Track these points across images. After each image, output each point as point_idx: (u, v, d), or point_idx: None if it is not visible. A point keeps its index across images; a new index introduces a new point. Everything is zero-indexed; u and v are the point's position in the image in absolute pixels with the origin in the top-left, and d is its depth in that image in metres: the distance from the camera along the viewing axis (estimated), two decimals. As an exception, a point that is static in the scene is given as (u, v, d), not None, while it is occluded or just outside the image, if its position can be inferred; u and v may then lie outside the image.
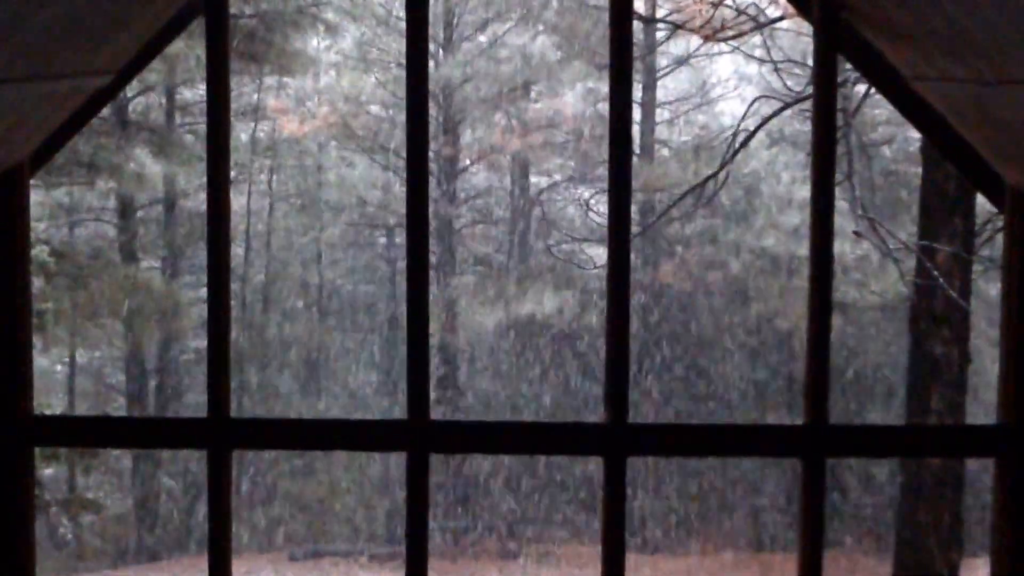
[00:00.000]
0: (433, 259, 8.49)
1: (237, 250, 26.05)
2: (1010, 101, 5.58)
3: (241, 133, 27.88)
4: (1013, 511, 6.68)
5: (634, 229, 7.39)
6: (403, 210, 6.95)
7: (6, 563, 6.75)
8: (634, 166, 6.80)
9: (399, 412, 22.41)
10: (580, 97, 29.19)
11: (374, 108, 29.71)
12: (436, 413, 6.78)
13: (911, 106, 6.68)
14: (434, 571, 7.10)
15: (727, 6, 17.64)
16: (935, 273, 13.89)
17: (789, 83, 20.81)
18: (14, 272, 6.69)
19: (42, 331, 20.02)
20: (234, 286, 6.82)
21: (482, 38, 29.74)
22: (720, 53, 24.63)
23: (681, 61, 28.99)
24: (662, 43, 27.20)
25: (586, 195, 29.97)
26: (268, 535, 25.55)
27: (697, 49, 26.42)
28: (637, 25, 18.92)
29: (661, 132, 29.79)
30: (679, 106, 30.42)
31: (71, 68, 6.18)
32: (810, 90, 11.27)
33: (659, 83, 29.50)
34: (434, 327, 6.53)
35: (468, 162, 29.64)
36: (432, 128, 6.21)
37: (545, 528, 25.45)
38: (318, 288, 32.73)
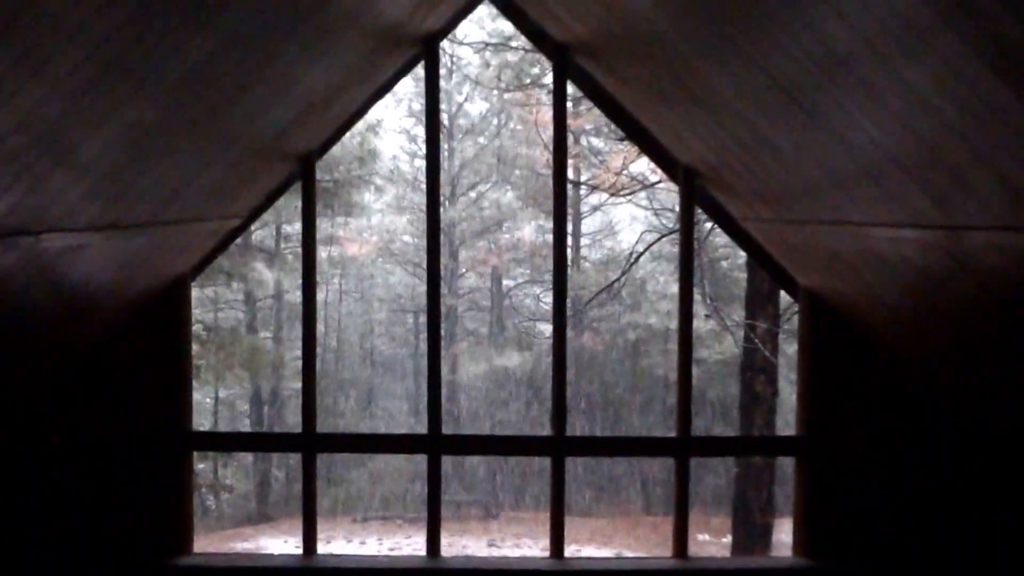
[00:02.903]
0: (442, 332, 8.45)
1: (319, 326, 25.92)
2: (799, 233, 5.64)
3: (322, 253, 27.80)
4: (807, 489, 6.68)
5: (568, 313, 7.41)
6: (424, 301, 6.95)
7: (175, 523, 6.68)
8: (568, 273, 6.82)
9: (421, 428, 22.26)
10: (534, 230, 29.27)
11: (405, 237, 29.75)
12: (443, 427, 6.75)
13: (740, 236, 6.75)
14: (443, 528, 7.04)
15: (624, 174, 17.76)
16: (756, 340, 13.91)
17: (664, 221, 20.90)
18: (180, 341, 6.68)
19: (197, 377, 19.85)
20: (317, 348, 6.78)
21: (472, 194, 29.84)
22: (620, 203, 24.73)
23: (596, 208, 29.08)
24: (584, 197, 27.35)
25: (538, 291, 29.95)
26: (338, 505, 25.22)
27: (606, 200, 26.54)
28: (568, 185, 18.95)
29: (584, 251, 29.82)
30: (595, 235, 30.47)
31: (218, 213, 6.19)
32: (677, 226, 11.37)
33: (583, 221, 29.58)
34: (443, 373, 6.46)
35: (464, 271, 29.62)
36: (441, 249, 6.15)
37: (515, 501, 25.22)
38: (370, 350, 32.58)
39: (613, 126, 14.63)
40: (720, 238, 22.61)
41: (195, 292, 7.32)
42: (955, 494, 6.47)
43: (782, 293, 13.66)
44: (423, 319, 27.57)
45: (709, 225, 16.57)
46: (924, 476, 6.49)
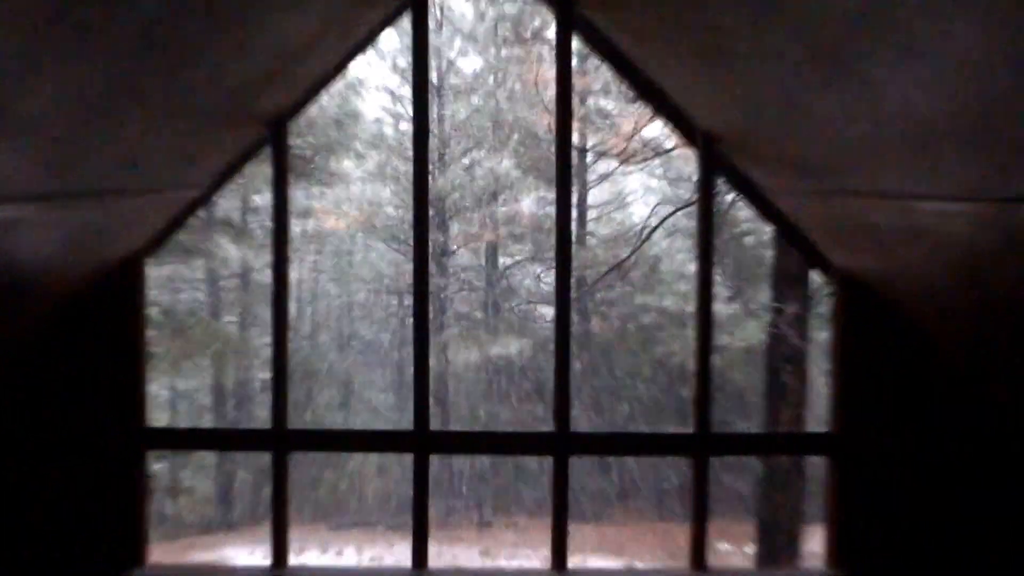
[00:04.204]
0: (431, 315, 8.46)
1: (292, 309, 25.92)
2: (834, 206, 5.62)
3: (295, 227, 27.79)
4: (840, 493, 6.69)
5: (572, 295, 7.40)
6: (410, 281, 6.96)
7: (127, 531, 6.69)
8: (572, 250, 6.81)
9: (406, 423, 22.29)
10: (534, 202, 29.22)
11: (389, 209, 29.68)
12: (431, 423, 6.75)
13: (766, 209, 6.73)
14: (431, 536, 7.05)
15: (636, 140, 17.74)
16: (783, 325, 13.93)
17: (680, 192, 20.90)
18: (134, 326, 6.67)
19: (153, 367, 19.88)
20: (289, 334, 6.78)
21: (464, 161, 29.78)
22: (632, 172, 24.71)
23: (604, 177, 29.05)
24: (591, 165, 27.33)
25: (538, 270, 29.95)
26: (312, 511, 25.30)
27: (615, 169, 26.51)
28: (573, 152, 18.94)
29: (591, 226, 29.79)
30: (603, 208, 30.44)
31: (176, 183, 6.17)
32: (695, 198, 11.35)
33: (589, 192, 29.55)
34: (431, 363, 6.47)
35: (455, 247, 29.59)
36: (430, 223, 6.18)
37: (511, 505, 25.29)
38: (349, 335, 32.61)
39: (624, 86, 14.60)
40: (743, 211, 22.58)
41: (151, 271, 7.31)
42: (1008, 498, 6.47)
43: (813, 273, 13.69)
44: (409, 301, 27.60)
45: (731, 197, 16.56)
46: (971, 478, 6.49)
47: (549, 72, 22.41)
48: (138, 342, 6.71)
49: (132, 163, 5.17)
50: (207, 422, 28.21)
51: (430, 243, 7.04)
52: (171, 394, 28.08)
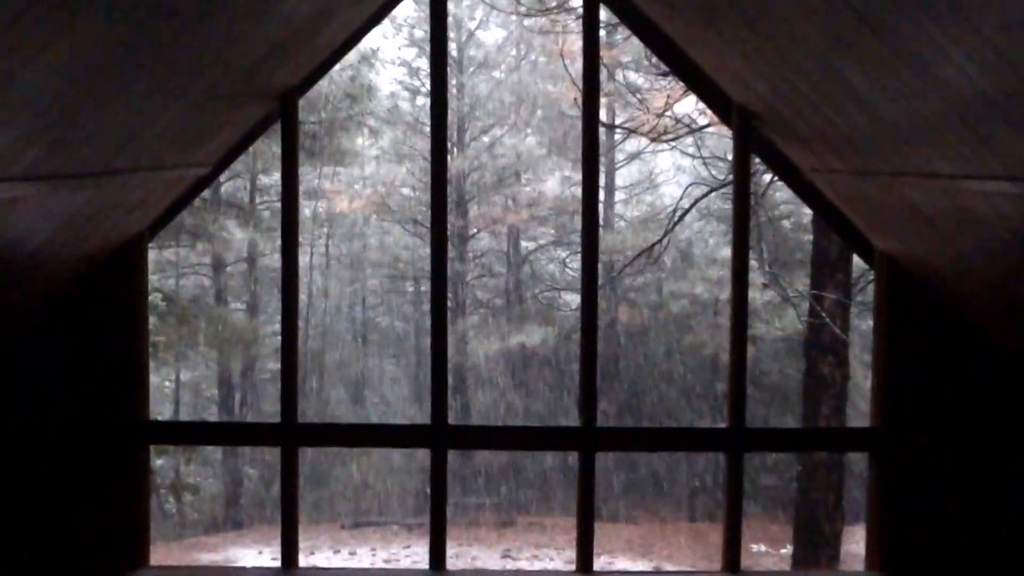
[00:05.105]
0: (449, 303, 8.48)
1: (302, 296, 25.94)
2: (878, 187, 5.59)
3: (305, 209, 27.80)
4: (882, 491, 6.67)
5: (599, 281, 7.39)
6: (427, 266, 6.97)
7: (128, 530, 6.73)
8: (599, 234, 6.80)
9: (423, 417, 22.29)
10: (559, 183, 29.17)
11: (405, 190, 29.68)
12: (450, 417, 6.76)
13: (805, 190, 6.71)
14: (449, 536, 7.07)
15: (668, 116, 17.67)
16: (823, 314, 13.88)
17: (714, 172, 20.85)
18: (135, 313, 6.71)
19: (155, 357, 19.96)
20: (299, 322, 6.79)
21: (485, 139, 29.73)
22: (662, 150, 24.59)
23: (633, 156, 28.97)
24: (620, 143, 27.24)
25: (563, 255, 29.92)
26: (324, 510, 25.38)
27: (645, 147, 26.42)
28: (601, 129, 18.89)
29: (619, 209, 29.75)
30: (632, 189, 30.37)
31: (180, 162, 6.19)
32: (730, 178, 11.31)
33: (617, 172, 29.48)
34: (450, 353, 6.50)
35: (475, 231, 29.58)
36: (448, 205, 6.21)
37: (534, 503, 25.30)
38: (362, 324, 32.64)
39: (655, 59, 14.52)
40: (781, 193, 22.48)
41: (153, 255, 7.35)
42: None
43: (855, 258, 13.62)
44: (426, 287, 27.59)
45: (768, 177, 16.48)
46: (1022, 475, 6.46)
47: (575, 44, 22.33)
48: (139, 330, 6.73)
49: (133, 140, 5.18)
50: (212, 415, 28.31)
51: (449, 226, 7.04)
52: (174, 385, 28.19)
